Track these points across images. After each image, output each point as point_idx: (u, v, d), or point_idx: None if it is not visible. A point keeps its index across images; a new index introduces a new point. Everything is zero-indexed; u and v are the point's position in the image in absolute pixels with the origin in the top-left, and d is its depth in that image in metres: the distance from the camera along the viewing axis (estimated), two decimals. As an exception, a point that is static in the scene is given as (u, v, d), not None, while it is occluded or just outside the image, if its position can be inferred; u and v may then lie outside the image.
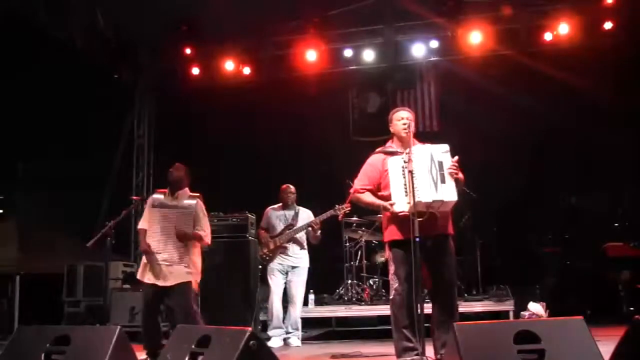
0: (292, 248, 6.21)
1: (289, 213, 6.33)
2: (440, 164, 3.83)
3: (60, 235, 8.27)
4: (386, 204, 3.94)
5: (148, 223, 4.83)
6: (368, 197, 4.13)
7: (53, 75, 8.02)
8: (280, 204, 6.40)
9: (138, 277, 4.82)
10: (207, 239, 4.91)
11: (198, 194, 4.97)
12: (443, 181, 3.81)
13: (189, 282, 4.76)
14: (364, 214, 6.89)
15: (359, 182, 4.21)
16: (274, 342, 6.00)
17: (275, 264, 6.20)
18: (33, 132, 8.29)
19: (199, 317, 4.73)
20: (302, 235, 6.24)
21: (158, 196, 4.91)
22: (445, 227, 4.03)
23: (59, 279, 7.67)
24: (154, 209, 4.83)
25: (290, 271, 6.21)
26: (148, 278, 4.70)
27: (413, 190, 3.70)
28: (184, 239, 4.74)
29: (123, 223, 4.85)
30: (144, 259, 4.77)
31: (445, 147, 3.91)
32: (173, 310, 4.70)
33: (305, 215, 6.31)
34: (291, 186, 6.43)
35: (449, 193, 3.81)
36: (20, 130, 8.13)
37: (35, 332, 3.50)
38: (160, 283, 4.67)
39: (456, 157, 3.88)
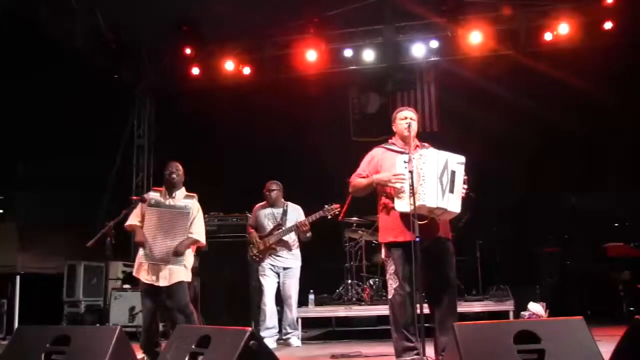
0: (283, 249, 6.09)
1: (277, 211, 6.17)
2: (453, 173, 3.82)
3: (60, 235, 8.26)
4: (387, 177, 3.90)
5: (144, 222, 4.78)
6: (364, 180, 4.10)
7: (53, 75, 8.01)
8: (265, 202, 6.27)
9: (134, 274, 4.83)
10: (203, 240, 4.90)
11: (194, 194, 4.94)
12: (451, 191, 3.80)
13: (187, 281, 4.78)
14: (364, 214, 6.87)
15: (358, 171, 4.19)
16: (267, 343, 5.96)
17: (267, 264, 6.08)
18: (33, 132, 8.28)
19: (196, 315, 4.75)
20: (291, 236, 6.11)
21: (154, 194, 4.89)
22: (445, 232, 4.03)
23: (59, 279, 7.67)
24: (150, 209, 4.80)
25: (282, 272, 6.10)
26: (146, 278, 4.70)
27: (414, 192, 3.67)
28: (181, 255, 4.72)
29: (123, 223, 4.84)
30: (139, 257, 4.77)
31: (462, 158, 3.90)
32: (171, 310, 4.70)
33: (295, 213, 6.16)
34: (274, 184, 6.23)
35: (453, 204, 3.82)
36: (20, 130, 8.12)
37: (35, 332, 3.50)
38: (158, 283, 4.67)
39: (465, 177, 3.89)
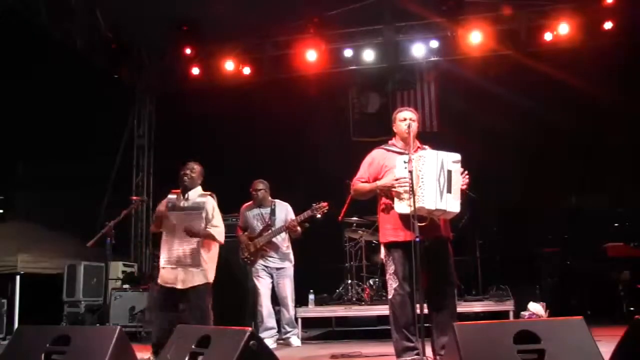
0: (273, 250, 6.02)
1: (265, 211, 6.08)
2: (449, 172, 3.81)
3: (60, 235, 8.27)
4: (389, 183, 3.90)
5: (164, 227, 4.80)
6: (367, 185, 4.12)
7: (53, 75, 8.03)
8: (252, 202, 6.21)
9: (158, 280, 4.80)
10: (220, 237, 4.82)
11: (210, 192, 4.91)
12: (449, 191, 3.80)
13: (206, 284, 4.72)
14: (364, 214, 6.87)
15: (359, 175, 4.20)
16: (267, 343, 5.93)
17: (260, 266, 6.02)
18: (33, 132, 8.29)
19: (212, 320, 4.68)
20: (281, 235, 6.03)
21: (172, 197, 4.88)
22: (445, 231, 4.04)
23: (59, 279, 7.68)
24: (169, 212, 4.80)
25: (275, 273, 6.05)
26: (165, 281, 4.69)
27: (414, 192, 3.68)
28: (194, 236, 4.68)
29: (123, 223, 4.84)
30: (161, 263, 4.76)
31: (457, 156, 3.88)
32: (187, 312, 4.65)
33: (283, 211, 6.08)
34: (261, 183, 6.13)
35: (452, 204, 3.81)
36: (20, 130, 8.13)
37: (35, 332, 3.50)
38: (177, 286, 4.65)
39: (465, 172, 3.89)
